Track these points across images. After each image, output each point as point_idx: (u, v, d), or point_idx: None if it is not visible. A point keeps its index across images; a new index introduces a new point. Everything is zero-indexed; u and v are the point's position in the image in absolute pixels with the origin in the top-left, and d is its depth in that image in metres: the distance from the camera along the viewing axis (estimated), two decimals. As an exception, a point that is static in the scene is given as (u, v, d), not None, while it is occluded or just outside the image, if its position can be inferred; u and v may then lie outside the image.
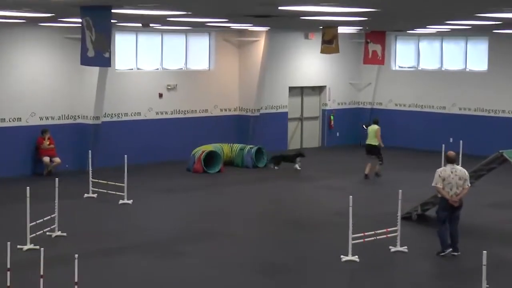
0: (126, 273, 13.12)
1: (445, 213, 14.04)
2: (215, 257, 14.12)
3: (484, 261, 10.03)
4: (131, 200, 18.38)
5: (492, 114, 27.05)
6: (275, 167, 23.68)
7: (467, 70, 28.06)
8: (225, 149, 24.12)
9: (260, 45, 26.47)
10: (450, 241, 14.11)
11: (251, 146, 24.42)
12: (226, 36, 26.41)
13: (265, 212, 18.00)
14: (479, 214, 17.83)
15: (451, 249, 14.06)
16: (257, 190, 20.83)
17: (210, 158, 23.13)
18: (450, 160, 14.06)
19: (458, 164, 20.33)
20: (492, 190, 20.20)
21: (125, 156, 18.59)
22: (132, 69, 24.57)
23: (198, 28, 24.51)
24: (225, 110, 26.80)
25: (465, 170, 14.15)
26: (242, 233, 15.92)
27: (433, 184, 14.04)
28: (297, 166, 23.57)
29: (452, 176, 13.87)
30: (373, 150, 22.35)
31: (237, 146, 24.42)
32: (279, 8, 13.23)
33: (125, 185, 18.33)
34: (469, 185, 14.03)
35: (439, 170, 14.08)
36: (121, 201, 18.36)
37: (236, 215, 17.72)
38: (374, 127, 22.58)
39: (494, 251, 13.73)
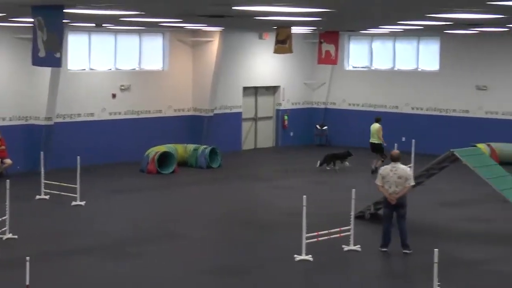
0: (79, 275, 13.00)
1: (387, 210, 14.31)
2: (170, 258, 14.06)
3: (436, 259, 10.13)
4: (84, 202, 18.23)
5: (443, 113, 27.37)
6: (334, 167, 23.68)
7: (419, 69, 28.36)
8: (179, 149, 24.04)
9: (214, 45, 26.44)
10: (400, 239, 14.27)
11: (205, 146, 24.38)
12: (180, 36, 26.33)
13: (219, 212, 17.98)
14: (431, 212, 18.03)
15: (386, 249, 14.30)
16: (211, 190, 20.80)
17: (164, 158, 23.04)
18: (393, 159, 14.28)
19: (410, 163, 20.58)
20: (443, 188, 20.44)
21: (78, 157, 18.42)
22: (84, 69, 24.36)
23: (152, 28, 24.40)
24: (179, 110, 26.72)
25: (408, 169, 14.32)
26: (196, 234, 15.87)
27: (375, 182, 14.30)
28: (347, 163, 23.89)
29: (391, 175, 14.10)
30: (375, 148, 22.91)
31: (191, 147, 24.37)
32: (233, 8, 13.23)
33: (77, 186, 18.17)
34: (411, 184, 14.20)
35: (381, 168, 14.30)
36: (73, 203, 18.19)
37: (191, 216, 17.67)
38: (375, 126, 23.19)
39: (446, 249, 13.90)
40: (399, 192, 14.10)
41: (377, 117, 23.83)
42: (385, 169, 14.27)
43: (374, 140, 23.10)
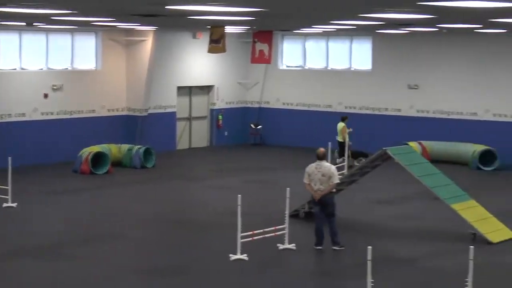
0: (12, 278, 12.79)
1: (317, 208, 14.51)
2: (105, 259, 13.93)
3: (369, 256, 10.25)
4: (16, 203, 17.93)
5: (376, 112, 27.71)
6: (355, 163, 23.52)
7: (352, 69, 28.65)
8: (113, 149, 23.84)
9: (148, 44, 26.29)
10: (330, 236, 14.46)
11: (139, 146, 24.23)
12: (113, 35, 26.10)
13: (154, 213, 17.89)
14: (364, 210, 18.24)
15: (320, 247, 14.48)
16: (145, 190, 20.68)
17: (98, 159, 22.82)
18: (319, 157, 14.44)
19: (344, 162, 20.80)
20: (376, 186, 20.68)
21: (9, 158, 18.12)
22: (15, 69, 23.98)
23: (85, 27, 24.13)
24: (113, 110, 26.49)
25: (332, 167, 14.51)
26: (131, 235, 15.77)
27: (303, 180, 14.50)
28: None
29: (315, 173, 14.31)
30: (340, 146, 23.15)
31: (125, 147, 24.19)
32: (166, 7, 13.17)
33: (9, 187, 17.87)
34: (335, 182, 14.40)
35: (307, 166, 14.51)
36: (5, 204, 17.88)
37: (125, 216, 17.53)
38: (340, 125, 23.37)
39: (379, 247, 14.09)
40: (323, 190, 14.27)
41: (343, 116, 23.98)
42: (310, 167, 14.46)
43: (339, 138, 23.31)
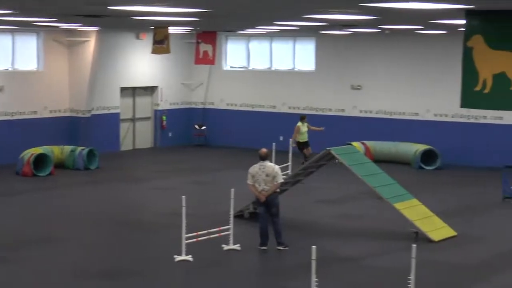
0: (-49, 282, 12.56)
1: (261, 208, 14.55)
2: (48, 262, 13.77)
3: (313, 256, 10.31)
4: (-44, 206, 17.63)
5: (320, 113, 27.87)
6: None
7: (296, 69, 28.78)
8: (55, 151, 23.57)
9: (91, 45, 26.05)
10: (274, 236, 14.51)
11: (82, 147, 23.99)
12: (55, 36, 25.80)
13: (98, 214, 17.72)
14: (309, 210, 18.34)
15: (265, 247, 14.52)
16: (89, 192, 20.49)
17: (40, 160, 22.54)
18: (262, 157, 14.49)
19: (287, 163, 20.86)
20: (321, 186, 20.81)
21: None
22: (-45, 69, 23.59)
23: (26, 27, 23.79)
24: (55, 111, 26.18)
25: (276, 167, 14.57)
26: (74, 237, 15.60)
27: (247, 182, 14.51)
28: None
29: (259, 173, 14.35)
30: (301, 146, 22.66)
31: (68, 148, 23.93)
32: (109, 8, 13.08)
33: (-51, 190, 17.57)
34: (279, 181, 14.46)
35: (251, 167, 14.51)
36: None
37: (69, 218, 17.34)
38: (298, 124, 22.86)
39: (323, 246, 14.16)
40: (268, 190, 14.31)
41: (302, 115, 23.66)
42: (254, 168, 14.48)
43: (298, 139, 22.99)
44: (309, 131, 22.91)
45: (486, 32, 11.41)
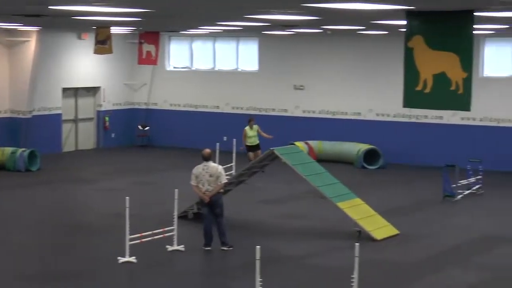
0: None
1: (205, 209, 14.55)
2: (-13, 265, 13.56)
3: (258, 256, 10.33)
4: None
5: (263, 113, 27.93)
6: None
7: (239, 70, 28.80)
8: (-5, 153, 23.24)
9: (31, 45, 25.70)
10: (218, 236, 14.53)
11: (23, 149, 23.65)
12: (-6, 35, 25.42)
13: (40, 217, 17.50)
14: (254, 210, 18.37)
15: (209, 248, 14.53)
16: (31, 194, 20.21)
17: (-20, 162, 22.20)
18: (205, 158, 14.50)
19: (231, 163, 20.87)
20: (264, 186, 20.86)
21: None
22: None
23: (-36, 27, 23.40)
24: (-5, 112, 25.85)
25: (219, 167, 14.58)
26: (15, 240, 15.38)
27: (190, 182, 14.49)
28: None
29: (203, 174, 14.36)
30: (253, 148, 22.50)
31: (8, 150, 23.58)
32: (50, 7, 12.93)
33: None
34: (223, 182, 14.48)
35: (194, 168, 14.51)
36: None
37: (10, 221, 17.09)
38: (245, 128, 22.64)
39: (267, 246, 14.22)
40: (212, 190, 14.32)
41: (249, 118, 23.44)
42: (197, 169, 14.47)
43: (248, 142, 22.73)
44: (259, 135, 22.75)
45: (426, 32, 11.57)
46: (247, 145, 22.67)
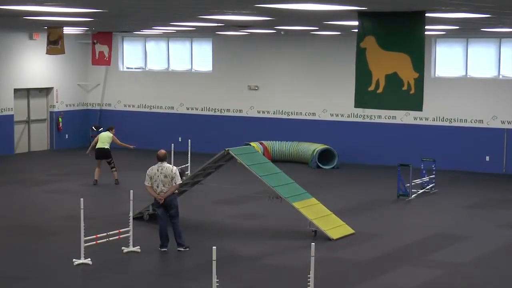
0: None
1: (160, 210, 14.50)
2: None
3: (214, 256, 10.33)
4: None
5: (218, 113, 27.93)
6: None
7: (193, 70, 28.74)
8: None
9: (-18, 45, 25.41)
10: (174, 237, 14.50)
11: (-25, 151, 23.35)
12: None
13: (-8, 219, 17.28)
14: (209, 210, 18.35)
15: (165, 249, 14.50)
16: (-18, 197, 19.96)
17: None
18: (160, 159, 14.49)
19: (187, 163, 20.83)
20: (220, 187, 20.85)
21: None
22: None
23: None
24: None
25: (174, 168, 14.57)
26: (-33, 243, 15.18)
27: (144, 183, 14.45)
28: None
29: (157, 174, 14.33)
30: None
31: (-41, 152, 23.27)
32: (0, 7, 12.78)
33: None
34: (178, 183, 14.47)
35: (149, 169, 14.46)
36: None
37: (-39, 224, 16.85)
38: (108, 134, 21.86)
39: (223, 246, 14.23)
40: (166, 191, 14.28)
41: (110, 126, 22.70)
42: (152, 170, 14.43)
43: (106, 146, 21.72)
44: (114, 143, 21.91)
45: (378, 33, 11.66)
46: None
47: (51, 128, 28.80)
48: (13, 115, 27.19)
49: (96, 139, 21.86)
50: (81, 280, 12.93)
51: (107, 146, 21.59)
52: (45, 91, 28.67)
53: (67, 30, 23.31)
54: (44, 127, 28.74)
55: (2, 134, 26.76)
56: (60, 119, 28.81)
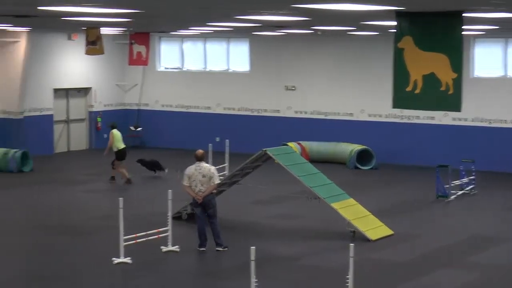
0: None
1: (198, 210, 14.55)
2: (-20, 267, 13.53)
3: (252, 257, 10.34)
4: None
5: (255, 114, 27.94)
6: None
7: (230, 70, 28.79)
8: (-13, 154, 23.20)
9: (21, 46, 25.66)
10: (213, 237, 14.54)
11: (15, 150, 23.59)
12: (-16, 37, 25.36)
13: (32, 218, 17.46)
14: (247, 210, 18.37)
15: (204, 248, 14.53)
16: (23, 195, 20.16)
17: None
18: (198, 158, 14.51)
19: (225, 163, 20.87)
20: (258, 187, 20.80)
21: None
22: None
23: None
24: (-14, 113, 25.80)
25: (212, 168, 14.61)
26: (8, 242, 15.35)
27: (182, 183, 14.47)
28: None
29: (196, 174, 14.36)
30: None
31: (0, 151, 23.53)
32: (39, 8, 12.91)
33: None
34: (216, 182, 14.50)
35: (187, 169, 14.49)
36: None
37: (2, 223, 17.03)
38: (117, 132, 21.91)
39: (262, 246, 14.20)
40: (205, 191, 14.31)
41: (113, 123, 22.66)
42: (190, 169, 14.46)
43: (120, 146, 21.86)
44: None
45: (416, 33, 11.60)
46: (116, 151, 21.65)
47: (90, 128, 29.03)
48: (52, 115, 27.46)
49: (111, 139, 21.72)
50: (120, 279, 13.02)
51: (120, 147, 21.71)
52: (84, 91, 28.91)
53: (105, 30, 23.48)
54: (83, 127, 28.98)
55: (42, 133, 27.02)
56: (98, 118, 29.04)
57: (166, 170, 22.91)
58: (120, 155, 21.70)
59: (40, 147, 26.34)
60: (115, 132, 21.83)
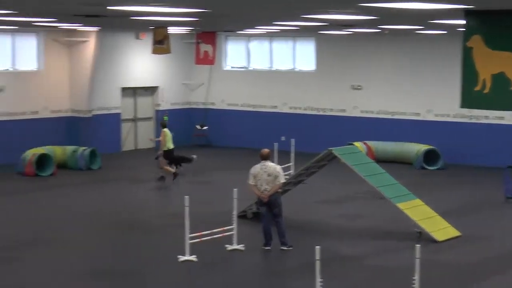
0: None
1: (264, 208, 14.55)
2: (49, 262, 13.77)
3: (317, 256, 10.31)
4: (-42, 208, 17.63)
5: (321, 113, 27.86)
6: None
7: (296, 70, 28.76)
8: (57, 151, 23.59)
9: (91, 45, 26.07)
10: (278, 236, 14.52)
11: (84, 148, 23.99)
12: (55, 36, 25.80)
13: (100, 215, 17.71)
14: (312, 210, 18.33)
15: (269, 247, 14.53)
16: (91, 193, 20.47)
17: (42, 161, 22.54)
18: (263, 157, 14.50)
19: (290, 163, 20.86)
20: (323, 186, 20.79)
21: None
22: (-44, 70, 23.58)
23: (26, 28, 23.79)
24: (56, 111, 26.21)
25: (277, 167, 14.58)
26: (76, 238, 15.60)
27: (248, 182, 14.49)
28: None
29: (261, 173, 14.34)
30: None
31: (70, 148, 23.95)
32: (108, 8, 13.09)
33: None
34: (281, 181, 14.47)
35: (252, 168, 14.49)
36: None
37: (71, 219, 17.33)
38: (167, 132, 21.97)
39: (327, 246, 14.16)
40: (270, 190, 14.31)
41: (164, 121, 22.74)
42: (255, 168, 14.47)
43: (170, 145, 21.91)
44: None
45: (485, 32, 11.42)
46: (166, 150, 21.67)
47: (157, 126, 29.28)
48: (120, 113, 27.83)
49: (163, 140, 21.81)
50: (186, 277, 13.12)
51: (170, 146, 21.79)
52: (151, 90, 29.22)
53: (172, 30, 23.69)
54: (150, 125, 29.29)
55: (110, 132, 27.41)
56: (165, 117, 29.27)
57: (195, 157, 22.86)
58: (169, 155, 21.73)
59: (108, 145, 26.73)
60: (167, 131, 21.92)
